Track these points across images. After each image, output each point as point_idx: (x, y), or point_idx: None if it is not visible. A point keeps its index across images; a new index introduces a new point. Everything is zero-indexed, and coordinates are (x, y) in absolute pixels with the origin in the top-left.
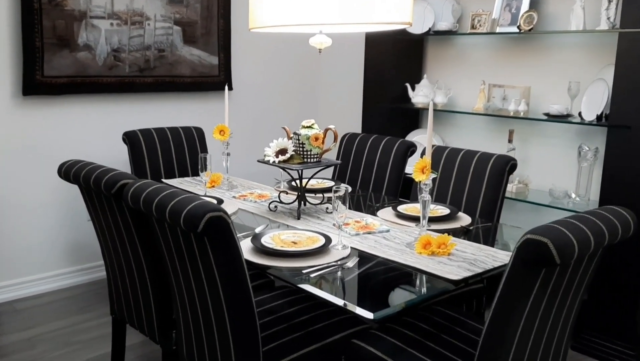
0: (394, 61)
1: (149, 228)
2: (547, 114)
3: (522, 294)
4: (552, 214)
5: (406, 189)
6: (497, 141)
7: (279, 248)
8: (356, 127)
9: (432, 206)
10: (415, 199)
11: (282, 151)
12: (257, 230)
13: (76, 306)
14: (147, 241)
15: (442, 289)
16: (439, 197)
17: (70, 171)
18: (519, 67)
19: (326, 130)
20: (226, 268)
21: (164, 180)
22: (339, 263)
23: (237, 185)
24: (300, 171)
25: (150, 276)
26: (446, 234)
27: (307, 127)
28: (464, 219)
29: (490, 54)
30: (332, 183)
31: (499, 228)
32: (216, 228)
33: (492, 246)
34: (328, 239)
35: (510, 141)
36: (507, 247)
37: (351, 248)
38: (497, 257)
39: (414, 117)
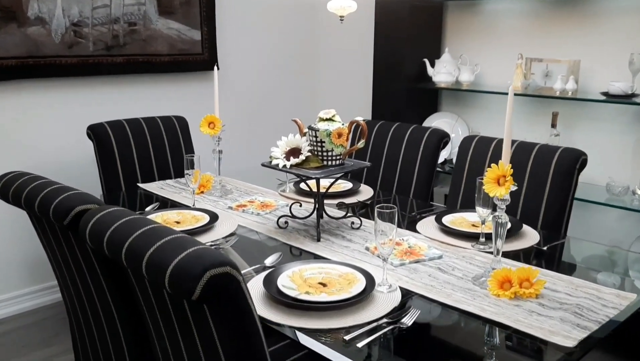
0: (409, 33)
1: (122, 272)
2: (605, 94)
3: None
4: (613, 214)
5: None
6: (535, 126)
7: (304, 295)
8: (365, 112)
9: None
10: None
11: (294, 152)
12: (268, 262)
13: (39, 336)
14: (121, 288)
15: None
16: None
17: (8, 192)
18: (565, 37)
19: (351, 123)
20: (235, 345)
21: (140, 185)
22: (391, 319)
23: (231, 189)
24: (318, 180)
25: (126, 335)
26: (530, 267)
27: (327, 119)
28: (530, 236)
29: (526, 21)
30: (350, 185)
31: (569, 243)
32: (221, 291)
33: (582, 276)
34: (369, 278)
35: (553, 125)
36: (606, 278)
37: (399, 287)
38: (605, 299)
39: (432, 99)
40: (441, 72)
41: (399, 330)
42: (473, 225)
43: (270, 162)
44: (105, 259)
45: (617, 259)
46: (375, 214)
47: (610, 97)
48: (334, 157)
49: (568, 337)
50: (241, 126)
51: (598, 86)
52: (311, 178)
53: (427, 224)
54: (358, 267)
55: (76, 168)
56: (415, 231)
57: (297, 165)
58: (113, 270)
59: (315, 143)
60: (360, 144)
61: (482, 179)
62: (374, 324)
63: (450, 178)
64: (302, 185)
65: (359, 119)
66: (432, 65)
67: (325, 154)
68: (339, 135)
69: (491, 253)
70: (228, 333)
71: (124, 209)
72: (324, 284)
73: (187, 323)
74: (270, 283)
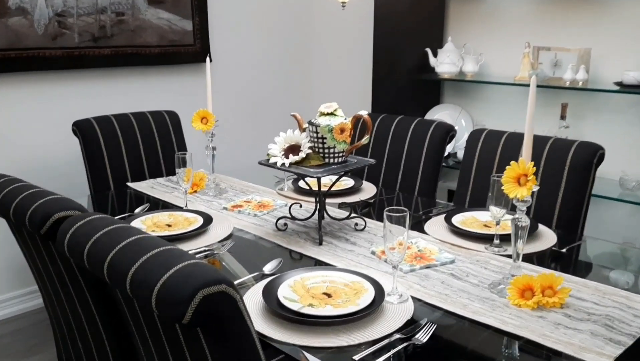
0: (410, 21)
1: (108, 286)
2: (619, 83)
3: None
4: (626, 209)
5: None
6: (543, 118)
7: (307, 308)
8: (365, 105)
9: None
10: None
11: (293, 149)
12: (267, 269)
13: (22, 345)
14: (107, 303)
15: None
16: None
17: None
18: (574, 24)
19: (355, 118)
20: None
21: (130, 184)
22: (404, 334)
23: (226, 188)
24: (318, 179)
25: (114, 351)
26: (553, 273)
27: (328, 114)
28: (547, 236)
29: (533, 8)
30: (351, 182)
31: (587, 244)
32: (215, 313)
33: (607, 281)
34: (378, 288)
35: (562, 117)
36: (635, 283)
37: (410, 296)
38: (636, 308)
39: (434, 91)
40: (445, 63)
41: (413, 347)
42: (485, 225)
43: (268, 160)
44: (89, 271)
45: None
46: (385, 218)
47: (625, 87)
48: (336, 155)
49: (601, 354)
50: (235, 121)
51: (610, 75)
52: (312, 177)
53: (435, 225)
54: (365, 275)
55: (61, 167)
56: (423, 232)
57: (296, 163)
58: (98, 283)
59: (316, 139)
60: (365, 140)
61: (496, 177)
62: (386, 341)
63: (454, 173)
64: (301, 183)
65: (363, 113)
66: (435, 55)
67: (327, 151)
68: (342, 130)
69: (507, 256)
70: (224, 356)
71: (106, 217)
72: (328, 295)
73: (179, 345)
74: (269, 294)
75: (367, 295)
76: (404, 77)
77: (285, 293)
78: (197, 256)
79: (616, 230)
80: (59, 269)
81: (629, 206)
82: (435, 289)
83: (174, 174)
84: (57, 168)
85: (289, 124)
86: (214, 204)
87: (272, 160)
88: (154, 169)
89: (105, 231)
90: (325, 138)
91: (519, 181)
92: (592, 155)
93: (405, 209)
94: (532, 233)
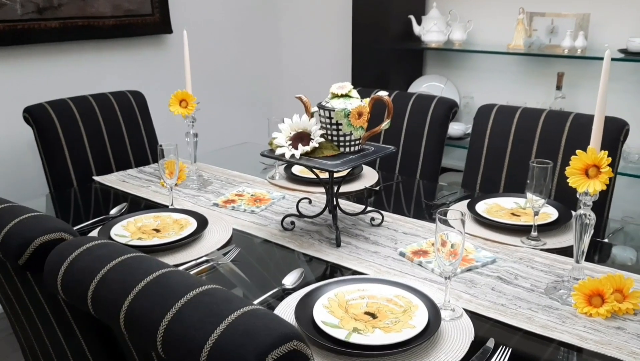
0: None
1: (110, 334)
2: (624, 51)
3: None
4: (624, 182)
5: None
6: (536, 89)
7: (355, 336)
8: (344, 76)
9: (517, 201)
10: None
11: (302, 137)
12: (288, 283)
13: None
14: (110, 351)
15: None
16: (512, 185)
17: None
18: None
19: (373, 100)
20: None
21: (96, 178)
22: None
23: (209, 178)
24: (332, 173)
25: None
26: (620, 274)
27: (342, 96)
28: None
29: None
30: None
31: (621, 227)
32: None
33: None
34: (428, 303)
35: (559, 87)
36: None
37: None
38: None
39: (417, 61)
40: (432, 31)
41: None
42: (513, 214)
43: (273, 151)
44: (87, 312)
45: None
46: (437, 221)
47: (630, 55)
48: (352, 143)
49: None
50: (202, 100)
51: (609, 42)
52: (329, 169)
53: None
54: (408, 286)
55: (10, 162)
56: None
57: (307, 154)
58: (97, 327)
59: (329, 126)
60: (386, 124)
61: (537, 162)
62: None
63: (454, 152)
64: (295, 170)
65: (383, 93)
66: (419, 23)
67: (342, 138)
68: (360, 115)
69: (547, 251)
70: None
71: (108, 242)
72: (372, 315)
73: None
74: (304, 318)
75: (419, 313)
76: (387, 47)
77: (323, 317)
78: (196, 270)
79: (617, 204)
80: (42, 308)
81: (627, 179)
82: (488, 299)
83: (144, 164)
84: (5, 163)
85: (259, 99)
86: (201, 200)
87: (278, 151)
88: (122, 160)
89: (113, 265)
90: (341, 124)
91: (587, 172)
92: (618, 131)
93: (461, 211)
94: (566, 223)
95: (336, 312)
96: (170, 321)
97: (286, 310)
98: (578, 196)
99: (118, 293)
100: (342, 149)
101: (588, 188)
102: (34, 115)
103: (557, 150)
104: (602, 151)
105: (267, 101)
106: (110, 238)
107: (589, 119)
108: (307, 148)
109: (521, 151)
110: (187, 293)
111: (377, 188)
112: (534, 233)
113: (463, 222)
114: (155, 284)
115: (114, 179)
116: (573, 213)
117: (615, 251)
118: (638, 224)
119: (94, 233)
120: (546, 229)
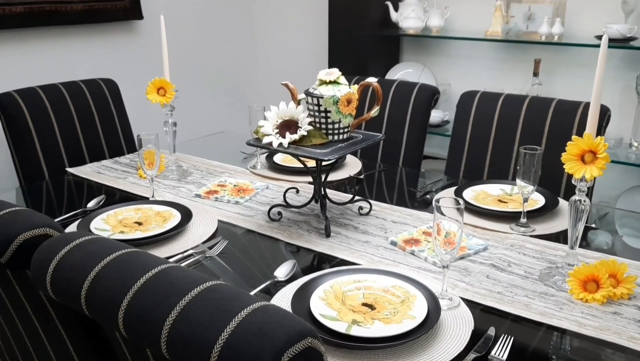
0: None
1: (99, 333)
2: (600, 37)
3: None
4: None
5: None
6: (514, 75)
7: (355, 329)
8: (321, 64)
9: (502, 187)
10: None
11: (289, 125)
12: (280, 275)
13: None
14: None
15: None
16: (495, 172)
17: None
18: None
19: (362, 86)
20: None
21: (70, 170)
22: (478, 352)
23: (188, 169)
24: (319, 162)
25: None
26: (614, 259)
27: (331, 82)
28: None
29: None
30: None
31: (609, 214)
32: None
33: None
34: (426, 292)
35: (536, 74)
36: None
37: (460, 298)
38: None
39: (394, 48)
40: (410, 17)
41: None
42: (500, 201)
43: (259, 139)
44: (74, 311)
45: None
46: (435, 210)
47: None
48: (341, 130)
49: None
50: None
51: (586, 29)
52: (319, 158)
53: (445, 203)
54: (404, 275)
55: None
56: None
57: (295, 143)
58: (84, 326)
59: (317, 113)
60: (375, 112)
61: (526, 149)
62: None
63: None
64: (277, 159)
65: (372, 80)
66: (396, 9)
67: (330, 126)
68: (348, 102)
69: (536, 237)
70: None
71: (97, 237)
72: (370, 306)
73: None
74: (301, 310)
75: (418, 303)
76: (364, 33)
77: (321, 309)
78: (185, 263)
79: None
80: (22, 305)
81: (612, 166)
82: (484, 287)
83: (118, 154)
84: None
85: (234, 87)
86: (182, 191)
87: (265, 139)
88: (95, 150)
89: (108, 262)
90: (329, 111)
91: (584, 158)
92: (602, 116)
93: (459, 199)
94: (552, 208)
95: (333, 304)
96: (175, 320)
97: (281, 303)
98: (574, 182)
99: (115, 292)
100: (330, 137)
101: (585, 173)
102: (2, 104)
103: (540, 136)
104: (599, 137)
105: (242, 88)
106: (90, 232)
107: (572, 105)
108: (296, 136)
109: (504, 137)
110: (191, 290)
111: (361, 177)
112: (523, 220)
113: (461, 210)
114: (155, 281)
115: (88, 171)
116: (560, 199)
117: (602, 237)
118: (617, 208)
119: (73, 227)
120: (534, 215)
